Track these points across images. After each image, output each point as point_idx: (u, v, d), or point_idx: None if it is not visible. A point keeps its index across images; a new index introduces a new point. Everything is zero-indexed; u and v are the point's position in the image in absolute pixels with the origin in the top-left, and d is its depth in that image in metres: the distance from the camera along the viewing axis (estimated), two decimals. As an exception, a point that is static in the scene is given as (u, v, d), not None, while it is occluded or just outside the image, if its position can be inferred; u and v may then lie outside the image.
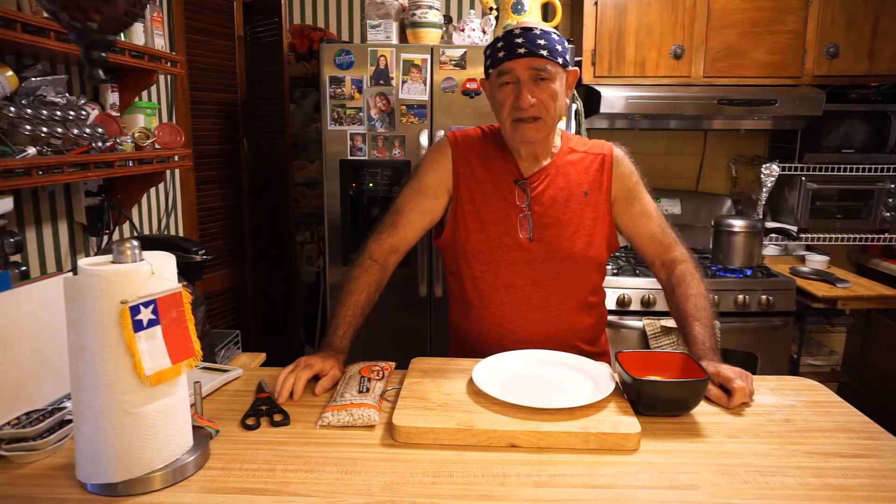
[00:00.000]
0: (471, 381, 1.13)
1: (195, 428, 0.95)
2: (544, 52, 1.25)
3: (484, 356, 1.23)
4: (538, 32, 1.26)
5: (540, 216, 1.35)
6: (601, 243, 1.39)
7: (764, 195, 2.77)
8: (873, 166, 2.80)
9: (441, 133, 2.27)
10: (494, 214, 1.36)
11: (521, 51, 1.25)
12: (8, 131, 1.34)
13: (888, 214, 2.80)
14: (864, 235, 2.91)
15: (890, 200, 2.79)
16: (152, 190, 2.24)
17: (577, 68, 1.35)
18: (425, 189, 1.40)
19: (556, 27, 2.38)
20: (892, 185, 2.78)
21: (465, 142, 1.41)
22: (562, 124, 1.43)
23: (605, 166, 1.39)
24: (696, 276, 1.37)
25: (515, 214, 1.35)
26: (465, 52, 2.24)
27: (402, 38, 2.38)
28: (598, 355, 1.40)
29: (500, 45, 1.28)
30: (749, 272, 2.48)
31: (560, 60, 1.27)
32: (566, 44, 1.30)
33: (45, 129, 1.40)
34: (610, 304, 2.05)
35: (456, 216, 1.39)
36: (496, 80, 1.30)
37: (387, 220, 1.43)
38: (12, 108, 1.36)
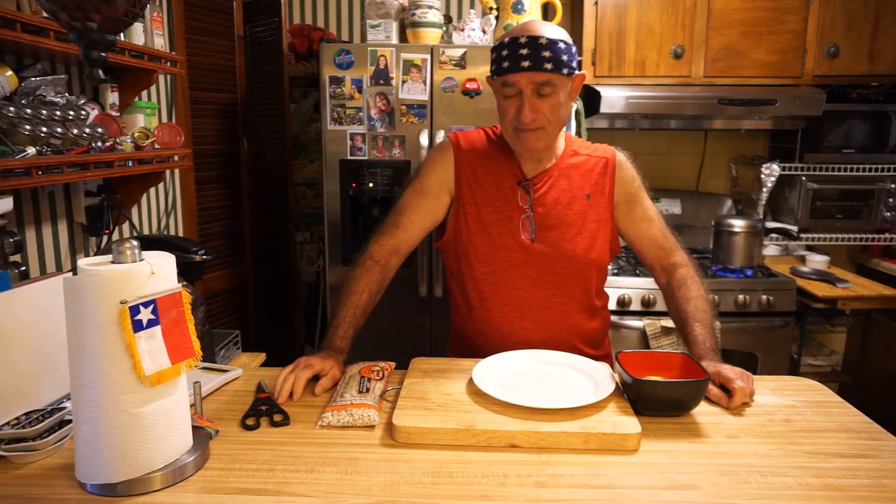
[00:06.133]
0: (471, 381, 1.13)
1: (195, 428, 0.95)
2: (549, 66, 1.22)
3: (484, 357, 1.22)
4: (543, 43, 1.22)
5: (542, 218, 1.35)
6: (603, 246, 1.39)
7: (764, 195, 2.77)
8: (873, 166, 2.80)
9: (441, 133, 2.27)
10: (496, 215, 1.36)
11: (525, 64, 1.22)
12: (8, 131, 1.34)
13: (888, 214, 2.80)
14: (864, 235, 2.91)
15: (890, 200, 2.79)
16: (152, 190, 2.24)
17: (584, 72, 1.32)
18: (427, 190, 1.40)
19: (556, 27, 2.38)
20: (893, 185, 2.78)
21: (467, 143, 1.41)
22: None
23: (607, 170, 1.39)
24: (697, 279, 1.37)
25: (518, 215, 1.35)
26: (465, 52, 2.24)
27: (402, 37, 2.38)
28: (601, 358, 1.40)
29: (504, 53, 1.24)
30: (749, 272, 2.48)
31: (565, 71, 1.24)
32: (573, 50, 1.27)
33: (44, 129, 1.40)
34: (610, 304, 2.05)
35: (458, 217, 1.39)
36: (500, 88, 1.29)
37: (388, 220, 1.42)
38: (12, 108, 1.36)
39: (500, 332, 1.37)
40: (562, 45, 1.24)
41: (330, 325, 1.33)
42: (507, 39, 1.25)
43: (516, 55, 1.23)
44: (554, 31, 1.26)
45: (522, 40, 1.23)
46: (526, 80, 1.24)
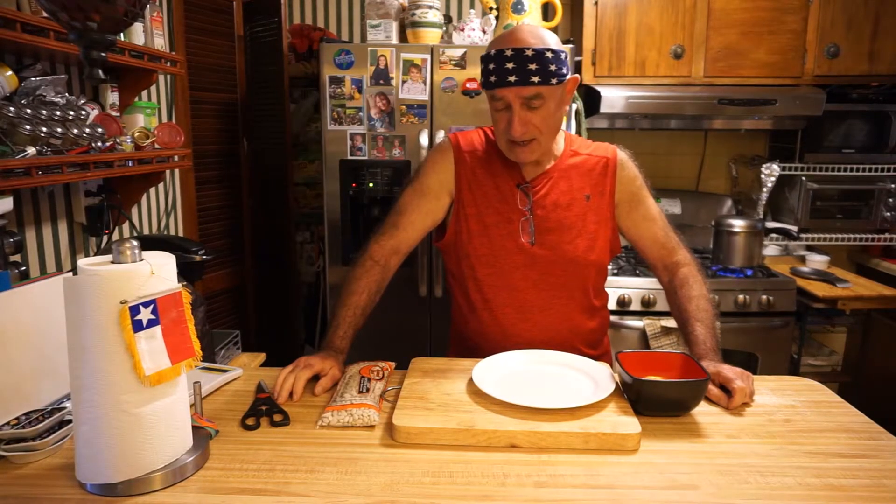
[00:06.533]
0: (471, 381, 1.13)
1: (195, 428, 0.95)
2: (535, 79, 1.20)
3: (485, 358, 1.22)
4: (530, 55, 1.19)
5: (542, 220, 1.35)
6: (603, 247, 1.38)
7: (764, 195, 2.77)
8: (873, 166, 2.80)
9: (441, 133, 2.27)
10: (496, 217, 1.35)
11: (511, 78, 1.20)
12: (8, 131, 1.34)
13: (888, 214, 2.80)
14: (864, 235, 2.91)
15: (890, 200, 2.79)
16: (152, 190, 2.24)
17: (577, 75, 1.30)
18: (427, 190, 1.40)
19: (555, 27, 2.38)
20: (893, 185, 2.78)
21: (466, 143, 1.40)
22: (563, 124, 1.41)
23: (608, 170, 1.38)
24: (699, 278, 1.37)
25: (518, 218, 1.35)
26: (465, 52, 2.24)
27: (402, 37, 2.38)
28: (599, 357, 1.41)
29: (491, 66, 1.22)
30: (749, 272, 2.48)
31: (554, 81, 1.22)
32: (563, 56, 1.23)
33: (44, 129, 1.40)
34: (610, 304, 2.05)
35: (458, 218, 1.38)
36: (490, 100, 1.28)
37: (388, 221, 1.42)
38: (12, 108, 1.36)
39: (501, 332, 1.37)
40: (549, 55, 1.20)
41: (330, 326, 1.33)
42: (493, 51, 1.23)
43: (503, 69, 1.21)
44: (541, 38, 1.22)
45: (508, 53, 1.20)
46: (513, 94, 1.23)
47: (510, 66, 1.20)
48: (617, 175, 1.38)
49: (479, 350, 1.37)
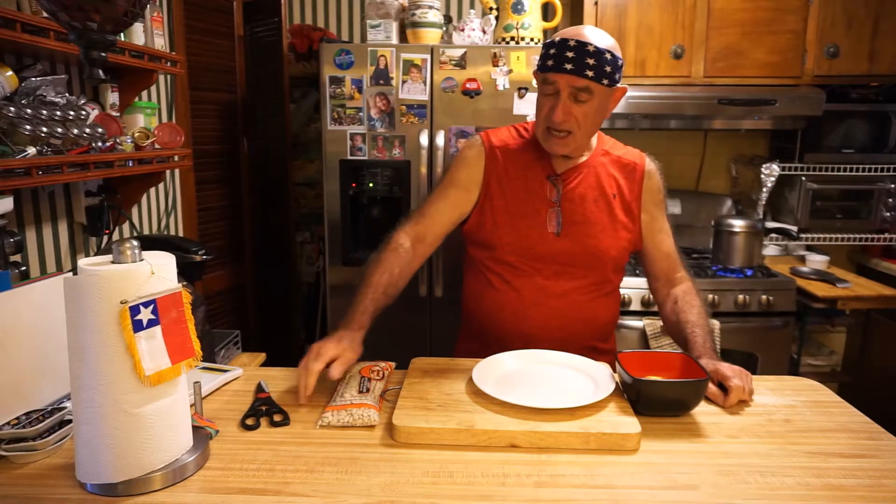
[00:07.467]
0: (471, 380, 1.13)
1: (195, 428, 0.95)
2: (590, 74, 1.24)
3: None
4: (591, 50, 1.24)
5: (569, 213, 1.38)
6: (625, 246, 1.41)
7: (764, 195, 2.77)
8: (873, 166, 2.80)
9: (441, 133, 2.26)
10: (524, 208, 1.38)
11: (568, 66, 1.24)
12: (8, 131, 1.34)
13: (888, 214, 2.80)
14: (864, 235, 2.91)
15: (890, 200, 2.79)
16: (152, 190, 2.24)
17: (626, 86, 1.33)
18: (456, 182, 1.43)
19: (555, 27, 2.38)
20: (893, 185, 2.78)
21: (498, 141, 1.44)
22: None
23: (636, 175, 1.42)
24: (698, 295, 1.40)
25: (545, 209, 1.38)
26: (465, 52, 2.24)
27: (402, 38, 2.38)
28: (608, 352, 1.44)
29: (552, 51, 1.27)
30: (749, 272, 2.48)
31: (605, 82, 1.26)
32: (620, 63, 1.28)
33: (45, 129, 1.40)
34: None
35: (483, 210, 1.41)
36: (540, 84, 1.32)
37: (415, 211, 1.46)
38: (12, 108, 1.36)
39: (514, 314, 1.39)
40: (608, 56, 1.25)
41: (349, 310, 1.30)
42: (557, 39, 1.28)
43: (562, 56, 1.25)
44: (604, 41, 1.27)
45: (571, 43, 1.25)
46: (565, 81, 1.26)
47: (570, 55, 1.24)
48: (644, 184, 1.42)
49: (492, 331, 1.40)
